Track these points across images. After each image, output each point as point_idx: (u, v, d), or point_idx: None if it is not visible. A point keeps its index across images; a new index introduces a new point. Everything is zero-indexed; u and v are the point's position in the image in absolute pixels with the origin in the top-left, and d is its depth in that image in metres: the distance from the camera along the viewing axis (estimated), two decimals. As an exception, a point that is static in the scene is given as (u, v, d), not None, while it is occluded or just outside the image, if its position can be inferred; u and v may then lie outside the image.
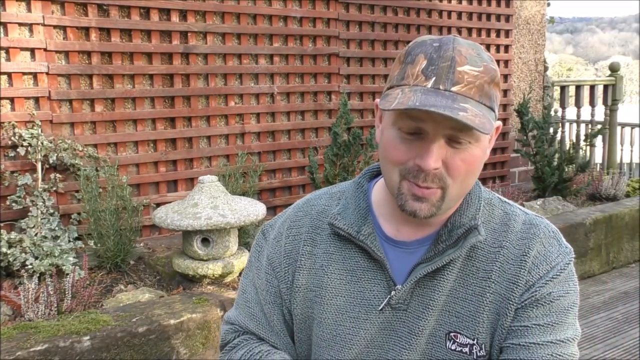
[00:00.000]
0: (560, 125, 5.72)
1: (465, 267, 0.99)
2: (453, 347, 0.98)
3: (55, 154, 3.09)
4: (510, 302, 0.97)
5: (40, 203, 2.98)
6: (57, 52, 3.19)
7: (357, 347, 1.01)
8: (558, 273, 0.98)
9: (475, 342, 0.98)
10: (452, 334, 0.98)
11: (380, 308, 1.00)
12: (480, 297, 0.98)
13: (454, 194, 0.94)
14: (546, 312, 0.96)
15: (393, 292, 1.00)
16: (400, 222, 1.02)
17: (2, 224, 2.99)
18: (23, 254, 2.71)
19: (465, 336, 0.98)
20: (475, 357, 0.98)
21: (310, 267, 1.06)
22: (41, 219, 2.94)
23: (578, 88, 5.94)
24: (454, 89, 0.87)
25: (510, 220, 1.02)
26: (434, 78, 0.88)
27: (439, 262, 0.97)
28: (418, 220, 1.00)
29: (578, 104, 6.00)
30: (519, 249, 0.99)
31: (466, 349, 0.98)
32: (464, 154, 0.91)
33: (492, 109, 0.91)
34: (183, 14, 3.58)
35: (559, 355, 0.95)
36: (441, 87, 0.87)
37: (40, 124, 3.12)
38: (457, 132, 0.89)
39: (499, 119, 0.98)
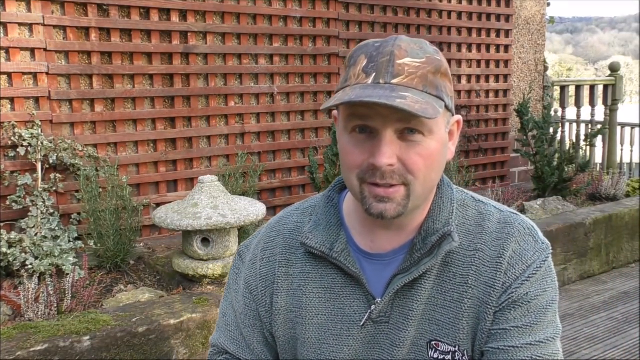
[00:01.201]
0: (560, 125, 5.72)
1: (442, 273, 0.98)
2: (435, 356, 0.97)
3: (55, 154, 3.09)
4: (489, 306, 0.95)
5: (40, 203, 2.98)
6: (57, 52, 3.19)
7: None
8: (534, 272, 0.96)
9: (457, 349, 0.97)
10: (433, 343, 0.97)
11: (362, 324, 0.99)
12: (459, 304, 0.96)
13: (419, 192, 0.92)
14: (524, 313, 0.95)
15: (373, 307, 0.98)
16: (373, 232, 1.00)
17: (2, 224, 2.99)
18: (23, 254, 2.71)
19: (447, 344, 0.97)
20: None
21: (288, 288, 1.04)
22: (41, 219, 2.94)
23: (578, 88, 5.94)
24: (394, 81, 0.86)
25: (485, 220, 1.00)
26: (374, 74, 0.87)
27: (415, 273, 0.96)
28: (389, 226, 0.98)
29: (578, 104, 6.00)
30: (494, 250, 0.97)
31: (449, 357, 0.97)
32: (419, 147, 0.89)
33: (441, 98, 0.89)
34: (183, 14, 3.58)
35: (539, 356, 0.94)
36: (381, 81, 0.87)
37: (40, 124, 3.12)
38: (405, 124, 0.87)
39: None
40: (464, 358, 0.97)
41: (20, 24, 3.08)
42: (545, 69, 5.69)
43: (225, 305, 1.13)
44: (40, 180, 3.07)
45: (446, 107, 0.91)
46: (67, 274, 2.64)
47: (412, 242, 0.98)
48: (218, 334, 1.12)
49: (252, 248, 1.11)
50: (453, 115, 0.96)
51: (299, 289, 1.03)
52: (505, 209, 1.03)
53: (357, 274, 0.98)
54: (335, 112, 0.99)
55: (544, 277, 0.97)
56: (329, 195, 1.07)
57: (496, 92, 5.15)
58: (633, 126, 6.62)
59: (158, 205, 3.47)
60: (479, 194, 1.08)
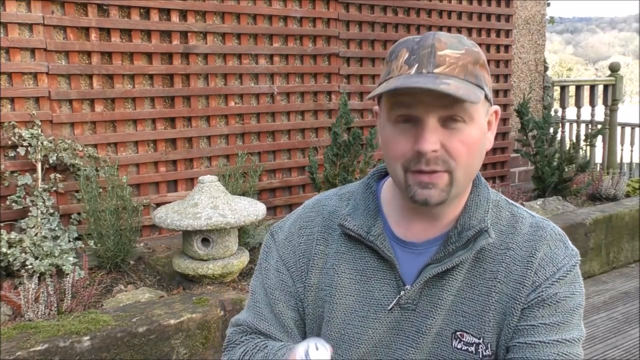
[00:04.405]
0: (560, 125, 5.72)
1: (473, 268, 1.00)
2: (459, 346, 0.99)
3: (55, 154, 3.08)
4: (517, 302, 0.98)
5: (40, 203, 2.97)
6: (57, 52, 3.19)
7: (365, 346, 1.02)
8: (564, 274, 0.99)
9: (481, 341, 0.98)
10: (458, 333, 0.99)
11: (389, 308, 1.01)
12: (487, 297, 0.99)
13: (461, 179, 0.94)
14: (552, 312, 0.97)
15: (402, 292, 1.00)
16: (409, 222, 1.03)
17: (2, 224, 2.99)
18: (23, 254, 2.71)
19: (472, 335, 0.99)
20: (480, 356, 0.98)
21: (322, 266, 1.07)
22: (41, 219, 2.94)
23: (578, 88, 5.94)
24: (436, 70, 0.90)
25: (517, 222, 1.03)
26: (416, 65, 0.91)
27: (448, 263, 0.98)
28: (426, 214, 1.01)
29: (578, 104, 6.00)
30: (525, 250, 1.00)
31: (472, 348, 0.98)
32: (461, 134, 0.91)
33: (481, 87, 0.92)
34: (183, 14, 3.58)
35: (565, 354, 0.96)
36: (424, 71, 0.90)
37: (40, 124, 3.12)
38: (448, 111, 0.90)
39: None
40: (487, 351, 0.98)
41: (20, 24, 3.08)
42: (545, 69, 5.69)
43: (254, 284, 1.13)
44: (40, 180, 3.07)
45: (485, 96, 0.94)
46: (67, 274, 2.64)
47: (447, 235, 1.01)
48: (246, 313, 1.12)
49: (286, 228, 1.13)
50: (491, 105, 0.99)
51: (331, 268, 1.05)
52: (536, 215, 1.07)
53: (391, 258, 1.01)
54: (376, 108, 1.02)
55: (573, 281, 1.00)
56: (367, 183, 1.10)
57: (496, 92, 5.15)
58: (633, 126, 6.62)
59: (158, 205, 3.47)
60: None
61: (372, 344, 1.02)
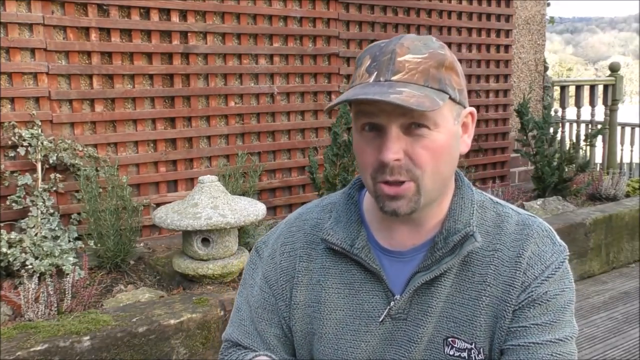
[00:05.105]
0: (560, 125, 5.72)
1: (461, 272, 0.99)
2: (451, 353, 0.98)
3: (55, 154, 3.09)
4: (508, 304, 0.97)
5: (40, 203, 2.98)
6: (57, 52, 3.19)
7: (359, 358, 1.01)
8: (553, 272, 0.98)
9: (473, 346, 0.97)
10: (450, 339, 0.98)
11: (380, 320, 1.00)
12: (477, 301, 0.97)
13: (429, 186, 0.93)
14: (543, 312, 0.96)
15: (392, 303, 0.99)
16: (393, 230, 1.01)
17: (2, 224, 2.99)
18: (23, 254, 2.71)
19: (463, 341, 0.98)
20: None
21: (307, 283, 1.05)
22: (41, 219, 2.94)
23: (578, 88, 5.94)
24: (394, 78, 0.88)
25: (503, 222, 1.02)
26: (375, 73, 0.90)
27: (436, 271, 0.97)
28: (406, 222, 0.99)
29: (578, 104, 6.00)
30: (513, 250, 0.99)
31: (464, 354, 0.98)
32: (425, 141, 0.90)
33: (444, 91, 0.90)
34: (183, 14, 3.58)
35: (559, 354, 0.95)
36: (381, 79, 0.89)
37: (40, 124, 3.12)
38: (409, 119, 0.89)
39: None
40: (479, 355, 0.98)
41: (20, 24, 3.08)
42: (545, 69, 5.69)
43: (239, 300, 1.13)
44: (40, 180, 3.07)
45: (453, 99, 0.92)
46: (67, 274, 2.64)
47: (433, 241, 0.99)
48: (231, 329, 1.12)
49: (270, 243, 1.12)
50: (465, 107, 0.97)
51: (318, 284, 1.04)
52: (522, 212, 1.05)
53: (378, 270, 0.99)
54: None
55: (562, 278, 0.99)
56: (349, 193, 1.08)
57: (496, 92, 5.15)
58: (633, 126, 6.63)
59: (158, 205, 3.47)
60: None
61: (366, 356, 1.01)
